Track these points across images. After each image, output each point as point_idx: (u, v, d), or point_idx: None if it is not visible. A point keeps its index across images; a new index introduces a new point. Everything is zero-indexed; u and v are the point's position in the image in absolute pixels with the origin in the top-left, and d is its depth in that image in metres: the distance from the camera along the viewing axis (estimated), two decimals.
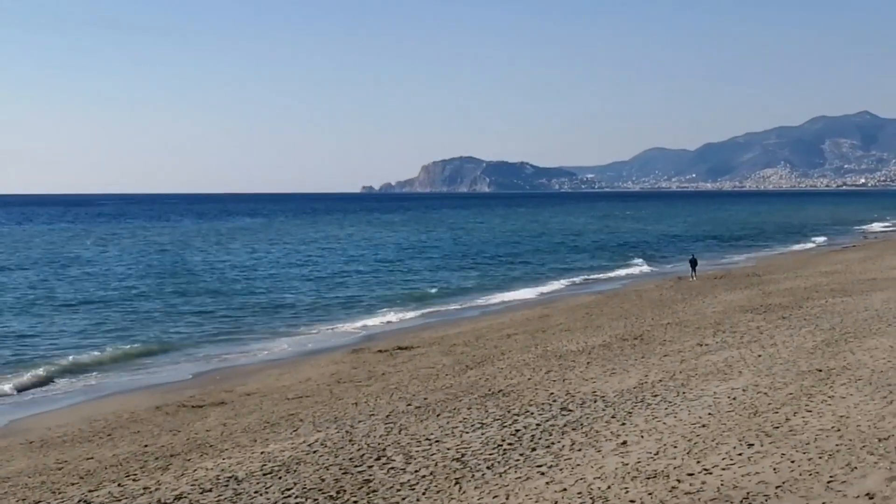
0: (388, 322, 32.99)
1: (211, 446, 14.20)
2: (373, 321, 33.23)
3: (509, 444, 11.62)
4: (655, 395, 13.77)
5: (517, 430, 12.29)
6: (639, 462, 10.17)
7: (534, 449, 11.25)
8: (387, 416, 14.51)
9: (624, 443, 11.08)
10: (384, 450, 11.93)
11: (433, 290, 42.65)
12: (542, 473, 10.16)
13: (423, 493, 9.88)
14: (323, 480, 10.71)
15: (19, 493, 12.16)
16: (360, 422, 14.33)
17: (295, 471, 11.33)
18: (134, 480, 12.05)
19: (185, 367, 25.02)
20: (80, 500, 11.17)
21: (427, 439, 12.30)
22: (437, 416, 14.05)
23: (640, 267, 52.80)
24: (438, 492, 9.89)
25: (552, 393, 14.94)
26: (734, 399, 12.96)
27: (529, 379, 16.84)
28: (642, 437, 11.28)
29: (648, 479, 9.51)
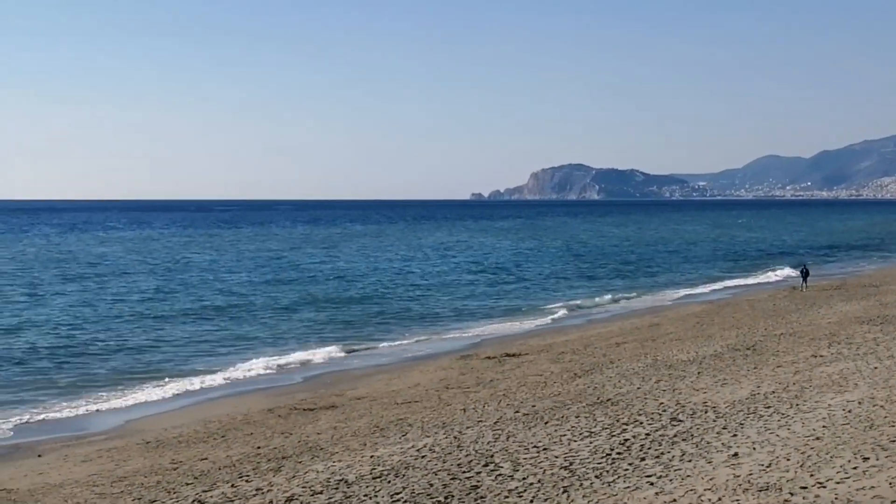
0: (496, 329, 33.01)
1: (322, 449, 14.38)
2: (480, 328, 33.29)
3: (618, 453, 11.54)
4: (768, 407, 13.55)
5: (626, 440, 12.20)
6: (750, 474, 10.02)
7: (643, 459, 11.16)
8: (495, 423, 14.52)
9: (735, 454, 10.93)
10: (492, 456, 11.95)
11: (541, 297, 42.55)
12: (652, 484, 10.08)
13: (531, 501, 9.87)
14: (431, 486, 10.77)
15: (135, 493, 12.46)
16: (468, 428, 14.37)
17: (404, 475, 11.42)
18: (247, 481, 12.27)
19: (297, 371, 25.39)
20: (194, 500, 11.40)
21: (535, 447, 12.28)
22: (545, 423, 14.02)
23: (752, 276, 51.99)
24: (546, 500, 9.87)
25: (662, 403, 14.80)
26: (849, 412, 12.68)
27: (639, 388, 16.70)
28: (754, 448, 11.11)
29: (760, 491, 9.37)
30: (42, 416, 20.32)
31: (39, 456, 16.54)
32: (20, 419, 19.99)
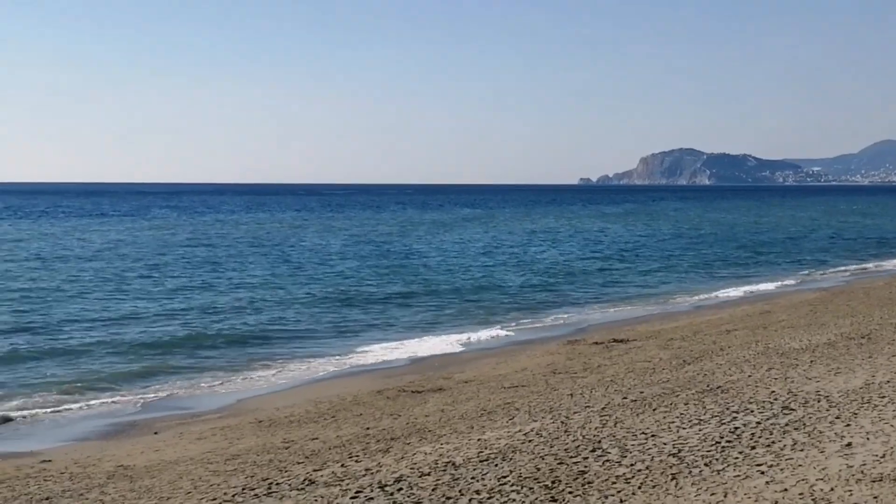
0: (604, 314, 32.89)
1: (429, 431, 14.52)
2: (588, 313, 33.21)
3: (728, 441, 11.42)
4: (883, 397, 13.26)
5: (736, 428, 12.07)
6: (864, 465, 9.84)
7: (753, 447, 11.03)
8: (602, 409, 14.48)
9: (849, 444, 10.74)
10: (599, 442, 11.93)
11: (651, 283, 42.24)
12: (762, 473, 9.96)
13: (639, 487, 9.84)
14: (538, 469, 10.80)
15: (248, 471, 12.72)
16: (575, 413, 14.36)
17: (511, 459, 11.47)
18: (356, 462, 12.44)
19: (403, 353, 25.65)
20: (305, 479, 11.59)
21: (643, 433, 12.22)
22: (654, 410, 13.92)
23: (867, 263, 50.83)
24: (654, 486, 9.83)
25: (773, 391, 14.58)
26: None
27: (749, 376, 16.47)
28: (868, 438, 10.90)
29: (874, 482, 9.20)
30: (158, 395, 20.91)
31: (156, 433, 17.01)
32: (138, 398, 20.60)
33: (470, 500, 9.85)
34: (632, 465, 10.70)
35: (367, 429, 15.44)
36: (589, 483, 10.13)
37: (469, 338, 28.05)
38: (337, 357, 25.30)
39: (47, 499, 12.18)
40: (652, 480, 10.03)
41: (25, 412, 19.11)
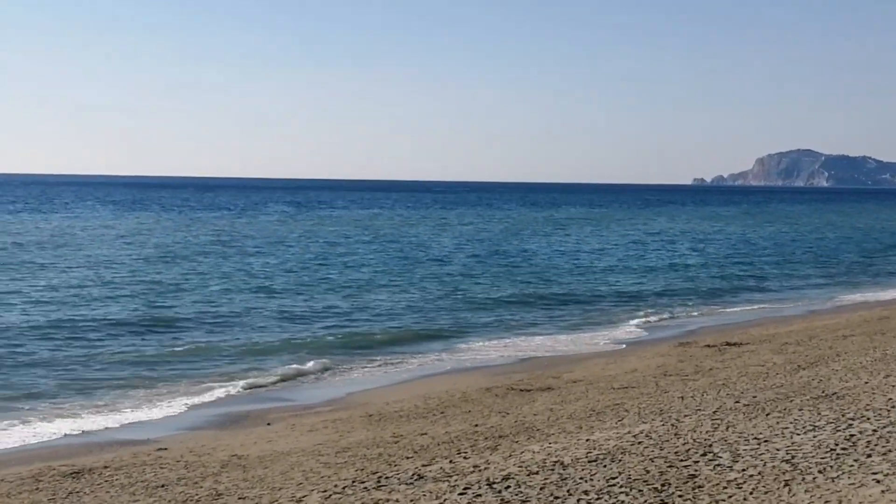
0: (716, 316, 32.48)
1: (538, 430, 14.51)
2: (700, 315, 32.82)
3: (843, 448, 11.18)
4: None
5: (851, 435, 11.81)
6: None
7: (869, 455, 10.78)
8: (714, 412, 14.30)
9: None
10: (710, 446, 11.79)
11: (768, 286, 41.55)
12: (878, 482, 9.74)
13: (751, 493, 9.71)
14: (647, 472, 10.73)
15: (358, 463, 12.87)
16: (685, 416, 14.21)
17: (620, 460, 11.40)
18: (464, 458, 12.50)
19: (512, 352, 25.69)
20: (413, 473, 11.68)
21: (755, 438, 12.03)
22: (767, 415, 13.70)
23: None
24: (766, 492, 9.69)
25: (891, 398, 14.23)
26: None
27: (866, 383, 16.10)
28: None
29: None
30: (271, 387, 21.31)
31: (269, 424, 17.33)
32: (252, 389, 21.02)
33: (578, 500, 9.83)
34: (743, 470, 10.56)
35: (476, 426, 15.49)
36: (699, 487, 10.03)
37: (579, 338, 27.95)
38: (446, 353, 25.46)
39: (163, 486, 12.50)
40: (764, 486, 9.89)
41: (143, 401, 19.68)
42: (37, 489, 12.83)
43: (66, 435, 17.14)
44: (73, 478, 13.32)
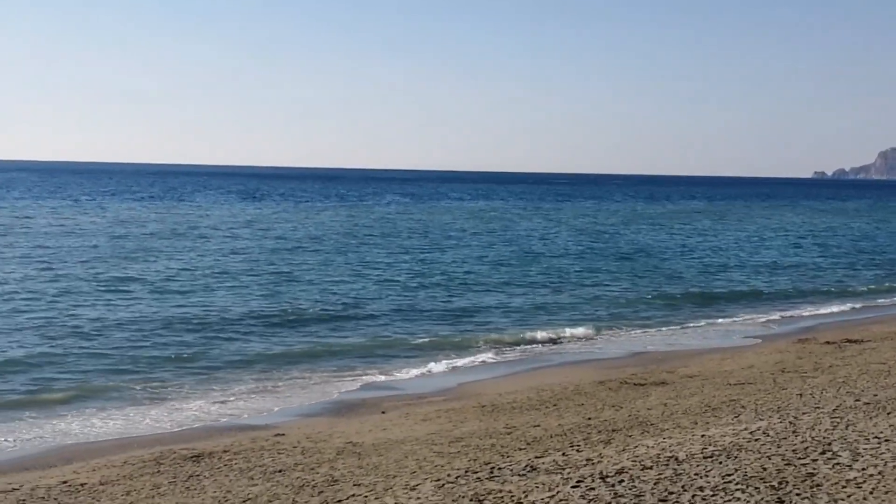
0: (837, 313, 31.80)
1: (651, 425, 14.42)
2: (820, 310, 32.18)
3: None
4: None
5: None
6: None
7: None
8: (833, 410, 14.02)
9: None
10: (829, 444, 11.56)
11: (887, 283, 40.50)
12: None
13: (871, 493, 9.51)
14: (764, 469, 10.57)
15: (471, 454, 12.94)
16: (804, 413, 13.96)
17: (735, 457, 11.26)
18: (577, 451, 12.48)
19: (625, 346, 25.54)
20: (526, 465, 11.70)
21: (876, 437, 11.77)
22: (888, 414, 13.39)
23: None
24: (887, 492, 9.48)
25: None
26: None
27: None
28: None
29: None
30: (385, 375, 21.55)
31: (383, 412, 17.52)
32: (366, 377, 21.29)
33: (693, 496, 9.74)
34: (863, 469, 10.34)
35: (589, 419, 15.45)
36: (818, 486, 9.85)
37: (694, 332, 27.65)
38: (558, 345, 25.43)
39: (280, 471, 12.75)
40: (885, 486, 9.67)
41: (261, 388, 20.08)
42: (158, 472, 13.19)
43: (186, 420, 17.60)
44: (194, 461, 13.67)
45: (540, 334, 26.41)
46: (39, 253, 43.28)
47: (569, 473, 11.07)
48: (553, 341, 25.79)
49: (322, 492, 11.28)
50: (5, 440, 16.18)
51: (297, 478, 12.19)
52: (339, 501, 10.70)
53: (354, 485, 11.51)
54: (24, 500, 11.99)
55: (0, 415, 17.54)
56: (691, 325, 29.12)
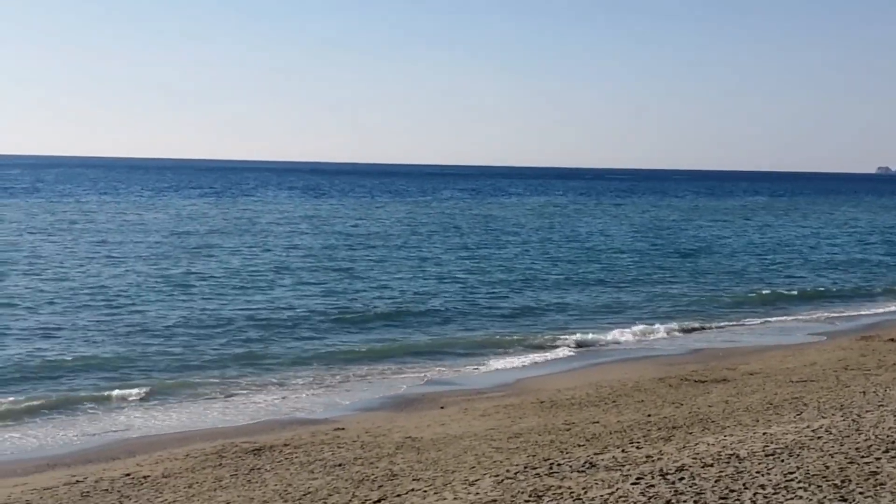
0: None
1: (712, 422, 14.32)
2: (883, 308, 31.79)
3: None
4: None
5: None
6: None
7: None
8: None
9: None
10: (893, 442, 11.41)
11: None
12: None
13: None
14: (827, 468, 10.47)
15: (529, 450, 12.94)
16: (867, 411, 13.79)
17: (798, 455, 11.15)
18: (637, 448, 12.44)
19: (686, 343, 25.37)
20: (585, 461, 11.68)
21: None
22: None
23: None
24: None
25: None
26: None
27: None
28: None
29: None
30: (444, 371, 21.62)
31: (442, 408, 17.57)
32: (425, 372, 21.38)
33: (754, 494, 9.66)
34: None
35: (649, 416, 15.38)
36: (881, 485, 9.73)
37: (754, 329, 27.40)
38: (616, 343, 25.32)
39: (340, 465, 12.84)
40: None
41: (313, 380, 20.25)
42: (220, 465, 13.35)
43: (247, 414, 17.79)
44: (255, 454, 13.81)
45: (599, 331, 26.34)
46: (104, 249, 43.90)
47: (628, 470, 11.03)
48: (612, 338, 25.67)
49: (381, 486, 11.34)
50: (69, 433, 16.48)
51: (357, 472, 12.28)
52: (399, 496, 10.75)
53: (414, 479, 11.57)
54: (87, 492, 12.18)
55: (64, 409, 17.86)
56: (753, 321, 28.86)
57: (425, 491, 10.83)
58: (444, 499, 10.38)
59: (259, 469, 12.93)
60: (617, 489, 10.23)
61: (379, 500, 10.62)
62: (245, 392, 19.40)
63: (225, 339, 24.30)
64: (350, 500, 10.71)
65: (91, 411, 17.77)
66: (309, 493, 11.30)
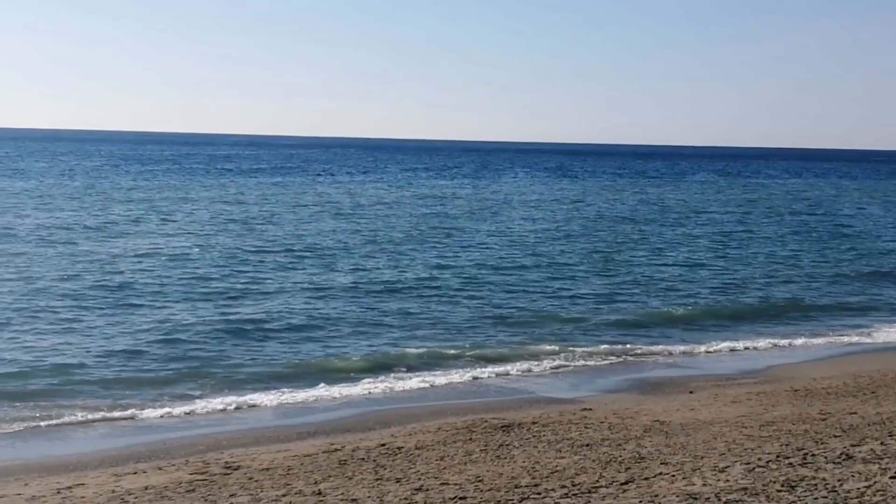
0: None
1: None
2: None
3: None
4: None
5: None
6: None
7: None
8: None
9: None
10: None
11: None
12: None
13: None
14: None
15: (782, 438, 12.65)
16: None
17: None
18: None
19: None
20: (841, 453, 11.37)
21: None
22: None
23: None
24: None
25: None
26: None
27: None
28: None
29: None
30: (696, 354, 21.51)
31: (691, 392, 17.38)
32: (675, 355, 21.29)
33: None
34: None
35: None
36: None
37: None
38: (871, 330, 24.34)
39: (587, 445, 12.91)
40: None
41: (561, 362, 20.40)
42: (470, 439, 13.66)
43: (497, 390, 18.13)
44: (504, 431, 14.06)
45: (854, 320, 25.45)
46: (370, 227, 45.60)
47: (887, 464, 10.67)
48: (866, 327, 24.70)
49: (629, 468, 11.36)
50: (323, 402, 17.22)
51: (605, 453, 12.32)
52: (647, 479, 10.75)
53: (661, 463, 11.53)
54: (345, 460, 12.71)
55: (310, 378, 18.61)
56: None
57: (673, 475, 10.78)
58: (693, 484, 10.32)
59: (508, 445, 13.16)
60: (875, 482, 9.92)
61: (626, 482, 10.64)
62: (494, 365, 19.78)
63: (490, 313, 25.02)
64: (597, 481, 10.77)
65: (351, 380, 18.50)
66: (556, 471, 11.43)
